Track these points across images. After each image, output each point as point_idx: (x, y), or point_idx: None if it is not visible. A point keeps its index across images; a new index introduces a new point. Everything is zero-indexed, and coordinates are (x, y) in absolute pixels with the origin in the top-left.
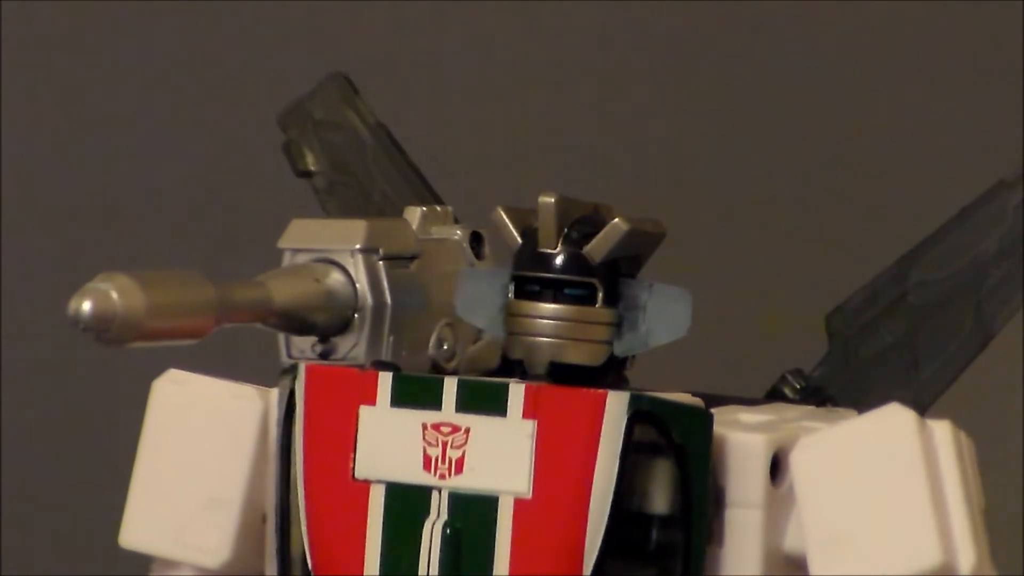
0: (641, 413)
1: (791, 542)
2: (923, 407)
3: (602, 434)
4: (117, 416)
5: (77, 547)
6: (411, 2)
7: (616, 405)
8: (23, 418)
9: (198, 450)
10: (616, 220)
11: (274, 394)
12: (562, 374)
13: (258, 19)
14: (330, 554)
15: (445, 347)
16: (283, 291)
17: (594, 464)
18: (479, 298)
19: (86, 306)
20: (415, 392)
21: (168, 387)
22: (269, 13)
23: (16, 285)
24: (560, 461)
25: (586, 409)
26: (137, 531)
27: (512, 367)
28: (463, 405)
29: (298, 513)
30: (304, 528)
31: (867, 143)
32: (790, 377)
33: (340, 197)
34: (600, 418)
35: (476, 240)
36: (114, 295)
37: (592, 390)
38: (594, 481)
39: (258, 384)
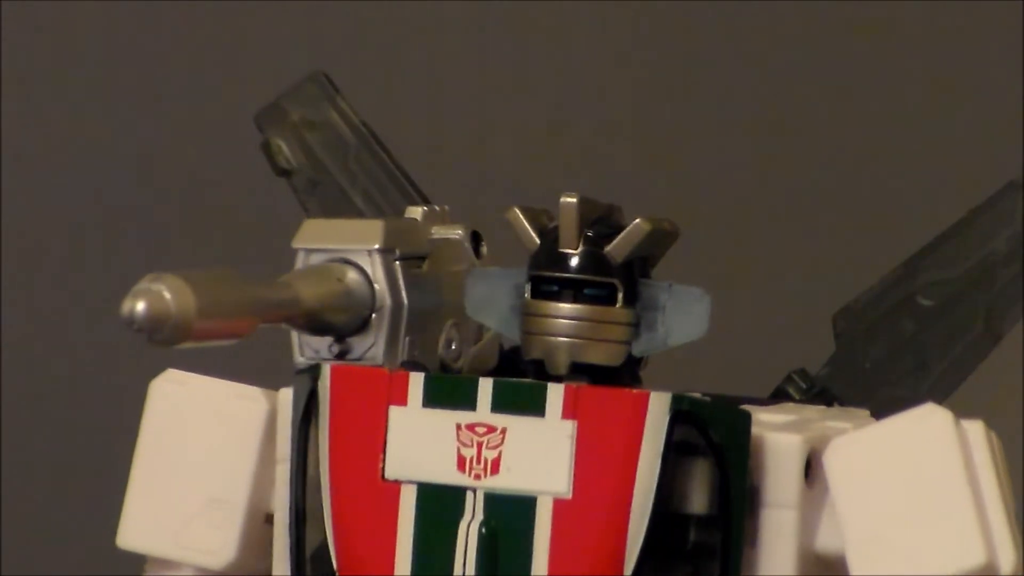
0: (682, 413)
1: (823, 542)
2: None
3: (645, 434)
4: (117, 416)
5: (77, 547)
6: (405, 2)
7: (658, 405)
8: (23, 418)
9: (199, 450)
10: (638, 220)
11: (283, 395)
12: (580, 374)
13: (258, 18)
14: (357, 554)
15: (453, 347)
16: (310, 291)
17: (636, 464)
18: (489, 298)
19: (140, 307)
20: (448, 392)
21: (167, 387)
22: (270, 13)
23: (16, 285)
24: (601, 461)
25: (628, 410)
26: (136, 532)
27: (519, 366)
28: (499, 405)
29: (312, 513)
30: (330, 528)
31: (871, 144)
32: (795, 377)
33: (320, 196)
34: (643, 418)
35: (475, 239)
36: (167, 296)
37: (634, 391)
38: (636, 481)
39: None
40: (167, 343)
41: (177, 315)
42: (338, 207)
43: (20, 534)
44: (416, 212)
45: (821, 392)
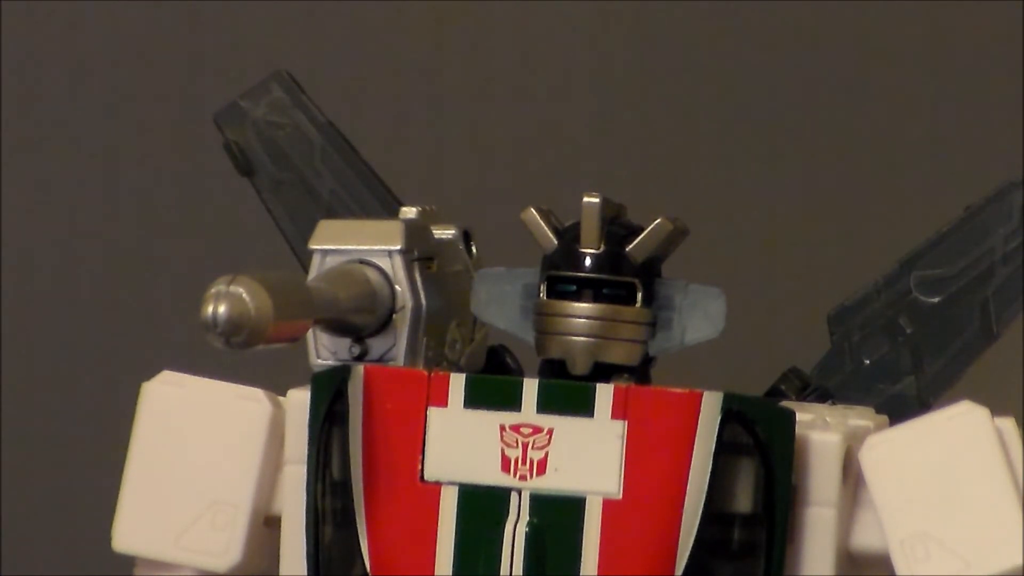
0: (731, 412)
1: (857, 540)
2: (926, 405)
3: (697, 434)
4: (118, 417)
5: (76, 548)
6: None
7: (711, 405)
8: (23, 419)
9: (200, 452)
10: (660, 220)
11: (292, 396)
12: (597, 374)
13: (257, 20)
14: (393, 555)
15: (457, 347)
16: (344, 292)
17: (689, 464)
18: (497, 298)
19: (223, 310)
20: (491, 394)
21: (162, 389)
22: (269, 13)
23: (16, 284)
24: (652, 461)
25: (681, 409)
26: (133, 534)
27: (504, 364)
28: (545, 406)
29: (327, 514)
30: (363, 529)
31: (868, 143)
32: (791, 376)
33: (285, 196)
34: (695, 418)
35: (466, 239)
36: (247, 299)
37: (687, 391)
38: (688, 481)
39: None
40: (243, 346)
41: (256, 318)
42: (304, 206)
43: (20, 534)
44: (411, 212)
45: (817, 390)
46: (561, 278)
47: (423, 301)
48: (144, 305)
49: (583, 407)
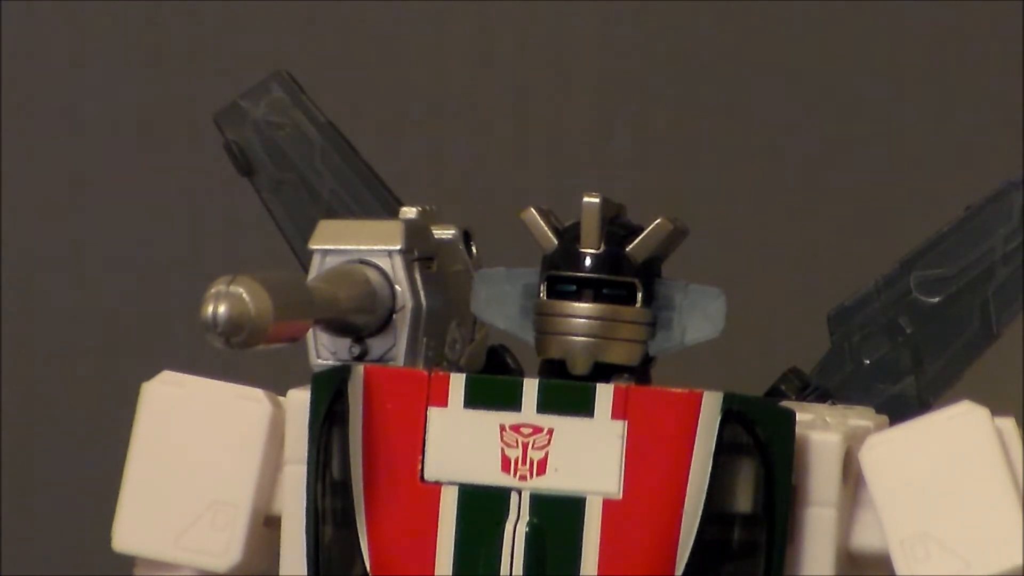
0: (731, 412)
1: (857, 540)
2: (926, 405)
3: (697, 434)
4: (118, 417)
5: (77, 548)
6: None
7: (711, 405)
8: (23, 419)
9: (200, 452)
10: (660, 220)
11: (292, 396)
12: (597, 374)
13: (258, 20)
14: (393, 555)
15: (457, 347)
16: (344, 292)
17: (688, 464)
18: (498, 298)
19: (223, 310)
20: (491, 393)
21: (162, 389)
22: (269, 13)
23: (16, 284)
24: (652, 461)
25: (681, 410)
26: (133, 534)
27: (504, 364)
28: (545, 406)
29: (327, 513)
30: (363, 529)
31: (868, 143)
32: (791, 376)
33: (285, 196)
34: (695, 418)
35: (466, 239)
36: (247, 299)
37: (686, 391)
38: (688, 481)
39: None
40: (243, 346)
41: (256, 318)
42: (304, 207)
43: (20, 534)
44: (411, 212)
45: (817, 390)
46: (561, 278)
47: (423, 301)
48: (144, 305)
49: (583, 407)
